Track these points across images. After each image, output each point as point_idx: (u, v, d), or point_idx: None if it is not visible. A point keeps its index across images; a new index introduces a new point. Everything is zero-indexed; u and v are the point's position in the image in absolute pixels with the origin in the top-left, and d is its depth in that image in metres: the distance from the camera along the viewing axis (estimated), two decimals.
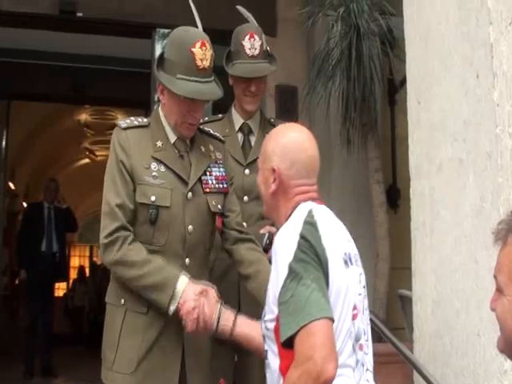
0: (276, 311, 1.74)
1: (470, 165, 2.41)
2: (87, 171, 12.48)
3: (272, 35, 5.19)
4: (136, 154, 2.38)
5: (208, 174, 2.50)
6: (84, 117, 10.16)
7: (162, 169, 2.40)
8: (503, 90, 2.31)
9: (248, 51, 2.98)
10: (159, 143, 2.42)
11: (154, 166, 2.39)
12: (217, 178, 2.53)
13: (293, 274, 1.69)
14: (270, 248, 2.56)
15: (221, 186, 2.52)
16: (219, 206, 2.50)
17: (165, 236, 2.37)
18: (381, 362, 4.15)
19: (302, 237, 1.73)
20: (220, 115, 3.21)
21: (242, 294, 2.80)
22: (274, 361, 1.78)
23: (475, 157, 2.38)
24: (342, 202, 4.76)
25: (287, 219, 1.86)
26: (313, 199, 1.90)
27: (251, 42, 3.00)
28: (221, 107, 3.36)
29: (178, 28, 2.49)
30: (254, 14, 5.17)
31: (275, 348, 1.77)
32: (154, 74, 2.48)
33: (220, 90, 2.46)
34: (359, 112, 4.37)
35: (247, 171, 2.99)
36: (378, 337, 4.35)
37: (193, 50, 2.35)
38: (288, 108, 5.13)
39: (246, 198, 2.97)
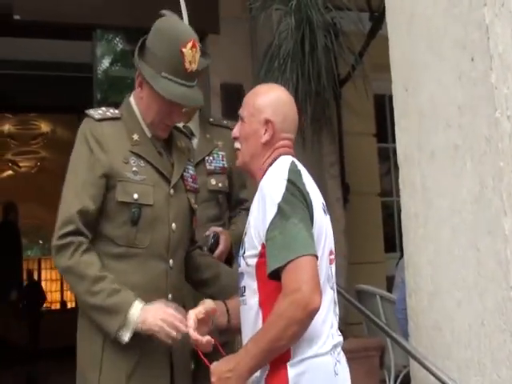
0: (259, 248, 1.87)
1: (466, 150, 2.35)
2: (10, 183, 11.98)
3: (215, 32, 5.08)
4: (113, 148, 2.18)
5: (186, 171, 2.35)
6: (7, 127, 9.72)
7: (142, 164, 2.21)
8: (500, 73, 2.27)
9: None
10: (136, 136, 2.23)
11: (132, 160, 2.19)
12: (192, 177, 2.38)
13: (281, 213, 1.82)
14: (216, 248, 2.71)
15: (194, 185, 2.38)
16: (196, 206, 2.36)
17: (148, 237, 2.18)
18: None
19: (290, 181, 1.86)
20: None
21: None
22: (251, 297, 1.90)
23: (472, 142, 2.33)
24: None
25: (267, 168, 1.98)
26: (291, 154, 2.03)
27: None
28: None
29: (166, 19, 2.26)
30: (197, 11, 5.06)
31: (254, 284, 1.89)
32: (136, 64, 2.22)
33: (202, 96, 2.31)
34: (313, 107, 4.30)
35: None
36: None
37: (183, 50, 2.15)
38: (234, 106, 5.00)
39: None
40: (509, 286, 2.21)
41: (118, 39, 5.21)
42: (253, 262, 1.90)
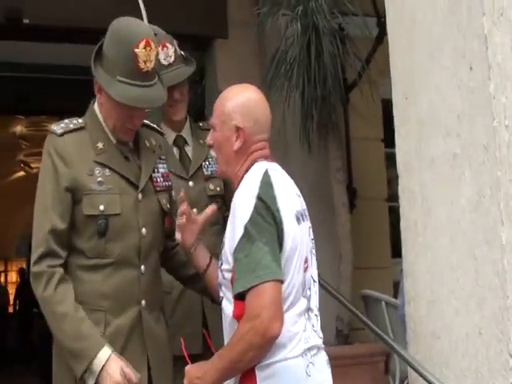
0: (232, 263, 1.89)
1: (465, 159, 2.35)
2: (22, 184, 12.08)
3: (223, 37, 5.10)
4: (76, 161, 2.16)
5: (156, 171, 2.32)
6: (19, 128, 9.79)
7: (107, 173, 2.18)
8: (498, 82, 2.27)
9: (163, 61, 2.80)
10: (100, 145, 2.20)
11: (97, 171, 2.17)
12: (163, 176, 2.36)
13: (247, 235, 1.83)
14: None
15: (166, 183, 2.36)
16: (168, 205, 2.35)
17: (118, 246, 2.17)
18: (349, 364, 4.11)
19: (259, 198, 1.86)
20: None
21: (205, 306, 2.73)
22: (228, 307, 1.94)
23: (471, 151, 2.33)
24: None
25: (243, 176, 1.98)
26: (266, 157, 2.02)
27: (165, 52, 2.84)
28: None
29: (120, 19, 2.24)
30: (205, 16, 5.08)
31: (230, 296, 1.92)
32: (92, 71, 2.20)
33: (164, 94, 2.26)
34: (319, 112, 4.31)
35: (191, 183, 2.90)
36: (344, 340, 4.34)
37: (136, 50, 2.11)
38: None
39: (195, 210, 2.88)
40: (505, 295, 2.21)
41: None
42: (228, 275, 1.92)
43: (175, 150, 2.96)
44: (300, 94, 4.27)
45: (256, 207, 1.84)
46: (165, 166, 2.37)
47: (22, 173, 12.68)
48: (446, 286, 2.42)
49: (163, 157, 2.38)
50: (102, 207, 2.13)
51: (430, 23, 2.49)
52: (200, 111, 5.27)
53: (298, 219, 1.94)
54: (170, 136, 2.95)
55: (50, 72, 5.86)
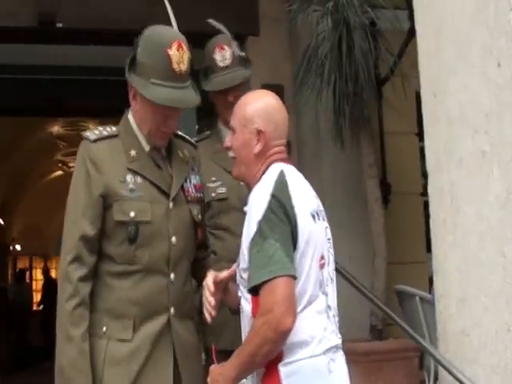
0: (248, 260, 1.94)
1: (493, 156, 2.35)
2: (60, 183, 12.33)
3: (255, 34, 5.12)
4: (109, 168, 2.19)
5: (188, 181, 2.34)
6: (56, 129, 10.00)
7: (139, 180, 2.21)
8: None
9: (219, 63, 2.91)
10: (133, 152, 2.23)
11: (129, 178, 2.20)
12: (195, 187, 2.37)
13: (260, 232, 1.89)
14: None
15: (199, 195, 2.37)
16: (199, 216, 2.36)
17: (147, 253, 2.18)
18: (383, 360, 4.10)
19: (273, 196, 1.92)
20: (207, 132, 3.15)
21: None
22: (246, 305, 1.99)
23: (499, 148, 2.33)
24: (334, 198, 4.69)
25: (260, 177, 2.04)
26: (283, 159, 2.08)
27: (221, 54, 2.93)
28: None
29: (152, 27, 2.30)
30: (236, 13, 5.10)
31: (247, 295, 1.97)
32: (126, 77, 2.24)
33: (197, 97, 2.28)
34: (351, 107, 4.31)
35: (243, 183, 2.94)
36: (378, 335, 4.35)
37: (169, 51, 2.15)
38: None
39: (245, 208, 2.92)
40: None
41: None
42: (245, 275, 1.97)
43: None
44: (332, 90, 4.28)
45: (270, 205, 1.90)
46: (198, 177, 2.39)
47: (59, 172, 12.92)
48: (475, 283, 2.43)
49: (196, 168, 2.40)
50: (132, 214, 2.15)
51: (458, 22, 2.49)
52: None
53: (313, 217, 1.99)
54: (226, 134, 2.98)
55: (84, 74, 5.95)
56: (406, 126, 5.56)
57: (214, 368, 1.99)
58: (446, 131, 2.56)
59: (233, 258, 2.80)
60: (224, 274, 2.18)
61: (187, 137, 2.49)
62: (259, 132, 2.04)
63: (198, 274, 2.38)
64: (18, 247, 15.00)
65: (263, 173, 2.05)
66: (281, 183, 1.95)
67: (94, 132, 2.25)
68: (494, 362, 2.35)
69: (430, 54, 2.68)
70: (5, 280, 13.43)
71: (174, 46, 2.17)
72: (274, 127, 2.06)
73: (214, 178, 2.97)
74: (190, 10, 4.81)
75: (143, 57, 2.20)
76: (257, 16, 5.18)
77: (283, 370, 1.88)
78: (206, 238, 2.47)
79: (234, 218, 2.90)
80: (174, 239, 2.22)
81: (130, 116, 2.30)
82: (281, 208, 1.90)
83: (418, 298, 4.52)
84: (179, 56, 2.17)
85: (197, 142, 3.08)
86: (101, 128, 2.28)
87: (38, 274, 15.89)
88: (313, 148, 4.91)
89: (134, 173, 2.20)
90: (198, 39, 4.48)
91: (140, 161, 2.23)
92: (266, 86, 5.25)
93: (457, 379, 2.39)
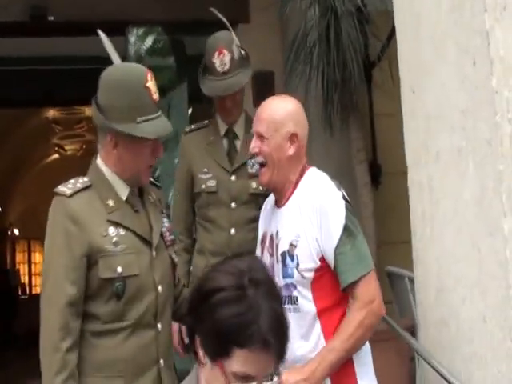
0: (319, 262, 2.09)
1: (469, 153, 2.40)
2: (57, 166, 12.39)
3: (245, 21, 5.16)
4: (89, 222, 2.08)
5: (162, 226, 2.29)
6: (52, 113, 10.04)
7: (122, 232, 2.11)
8: (501, 77, 2.31)
9: (218, 68, 2.93)
10: (111, 202, 2.14)
11: (111, 230, 2.10)
12: (168, 230, 2.33)
13: (348, 231, 2.08)
14: None
15: (172, 237, 2.35)
16: (176, 259, 2.36)
17: (135, 308, 2.09)
18: (374, 340, 4.22)
19: (345, 199, 2.12)
20: (206, 121, 3.21)
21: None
22: (307, 305, 2.12)
23: (474, 145, 2.38)
24: None
25: (298, 180, 2.14)
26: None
27: (221, 59, 2.94)
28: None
29: (109, 69, 2.20)
30: (227, 2, 5.12)
31: (309, 294, 2.10)
32: (107, 128, 2.13)
33: (169, 123, 2.24)
34: (339, 94, 4.36)
35: (233, 177, 2.99)
36: None
37: (147, 85, 2.11)
38: (265, 94, 5.08)
39: (233, 204, 2.97)
40: (508, 284, 2.27)
41: (150, 33, 5.35)
42: (310, 274, 2.10)
43: (225, 142, 3.06)
44: (320, 77, 4.33)
45: (346, 207, 2.10)
46: (167, 220, 2.36)
47: (56, 156, 12.97)
48: (453, 275, 2.50)
49: (164, 211, 2.37)
50: (119, 269, 2.06)
51: (435, 19, 2.53)
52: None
53: None
54: (223, 127, 3.07)
55: (76, 63, 6.01)
56: (396, 107, 5.59)
57: (288, 377, 1.96)
58: (424, 127, 2.62)
59: (217, 252, 2.90)
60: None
61: (151, 179, 2.39)
62: (292, 135, 2.12)
63: (177, 312, 2.34)
64: (16, 231, 15.08)
65: (300, 176, 2.15)
66: (339, 187, 2.16)
67: (67, 186, 2.14)
68: (471, 350, 2.43)
69: (409, 49, 2.72)
70: (4, 264, 13.55)
71: (149, 77, 2.14)
72: (304, 130, 2.18)
73: (205, 170, 3.04)
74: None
75: (122, 100, 2.10)
76: (247, 3, 5.21)
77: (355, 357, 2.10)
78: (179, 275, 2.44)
79: (222, 211, 2.97)
80: (160, 288, 2.16)
81: (99, 164, 2.21)
82: (352, 208, 2.14)
83: (407, 278, 4.60)
84: (153, 85, 2.15)
85: (194, 130, 3.13)
86: (72, 181, 2.17)
87: (37, 258, 16.01)
88: None
89: (116, 224, 2.11)
90: (190, 27, 4.51)
91: (119, 210, 2.14)
92: (257, 73, 5.30)
93: (433, 368, 2.47)
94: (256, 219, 2.93)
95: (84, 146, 12.42)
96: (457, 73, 2.44)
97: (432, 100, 2.57)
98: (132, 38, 5.21)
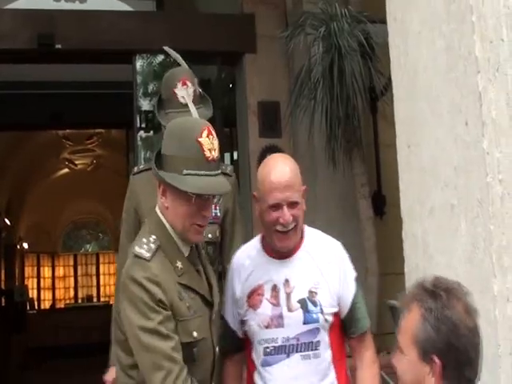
0: (337, 308, 2.28)
1: (461, 211, 2.44)
2: (66, 181, 12.50)
3: (252, 51, 5.23)
4: (168, 285, 2.05)
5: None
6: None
7: (192, 295, 2.10)
8: (492, 138, 2.34)
9: (180, 99, 2.81)
10: (179, 264, 2.11)
11: (184, 294, 2.09)
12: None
13: (358, 283, 2.36)
14: None
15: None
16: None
17: (201, 370, 2.10)
18: None
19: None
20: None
21: None
22: (326, 351, 2.26)
23: (466, 203, 2.41)
24: (328, 215, 4.83)
25: (303, 232, 2.32)
26: None
27: (184, 90, 2.83)
28: None
29: (175, 120, 2.25)
30: (234, 31, 5.20)
31: (327, 339, 2.25)
32: (155, 174, 2.14)
33: (228, 184, 2.23)
34: (343, 129, 4.40)
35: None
36: None
37: (200, 139, 2.07)
38: (271, 124, 5.15)
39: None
40: (497, 343, 2.31)
41: (155, 61, 5.46)
42: (331, 318, 2.25)
43: None
44: (324, 112, 4.38)
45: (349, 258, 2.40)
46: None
47: (66, 170, 13.05)
48: None
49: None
50: (195, 333, 2.07)
51: (431, 77, 2.57)
52: (230, 125, 5.42)
53: None
54: None
55: (84, 88, 6.14)
56: None
57: None
58: (419, 181, 2.65)
59: None
60: None
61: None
62: (304, 190, 2.26)
63: None
64: (25, 245, 15.19)
65: (301, 231, 2.30)
66: None
67: (143, 248, 2.10)
68: None
69: (404, 103, 2.76)
70: (12, 280, 13.59)
71: (204, 133, 2.10)
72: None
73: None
74: (189, 29, 4.92)
75: (173, 150, 2.11)
76: (254, 33, 5.28)
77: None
78: None
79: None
80: (216, 350, 2.18)
81: (161, 217, 2.18)
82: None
83: None
84: (209, 143, 2.10)
85: (143, 170, 3.00)
86: (144, 240, 2.13)
87: (46, 272, 16.15)
88: (308, 164, 5.01)
89: (186, 287, 2.10)
90: (196, 56, 4.54)
91: (188, 273, 2.12)
92: (262, 103, 5.38)
93: None
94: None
95: (94, 161, 12.55)
96: (450, 131, 2.48)
97: (427, 156, 2.61)
98: (138, 66, 5.30)
